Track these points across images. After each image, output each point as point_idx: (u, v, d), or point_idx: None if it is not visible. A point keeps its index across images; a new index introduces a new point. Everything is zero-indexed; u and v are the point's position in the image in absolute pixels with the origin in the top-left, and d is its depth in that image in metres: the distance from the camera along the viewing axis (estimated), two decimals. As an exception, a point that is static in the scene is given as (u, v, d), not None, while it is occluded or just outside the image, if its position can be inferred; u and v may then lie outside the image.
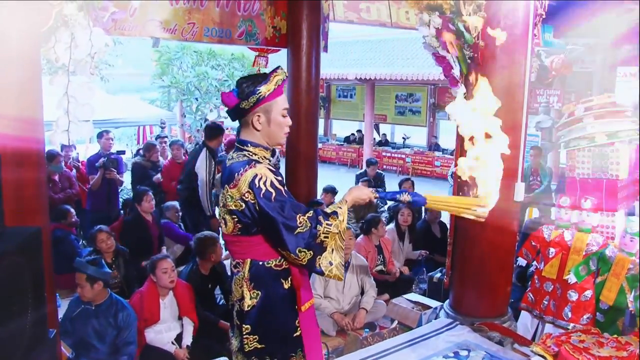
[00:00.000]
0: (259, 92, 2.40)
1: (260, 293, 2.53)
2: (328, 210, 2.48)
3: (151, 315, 4.53)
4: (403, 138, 21.33)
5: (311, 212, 2.40)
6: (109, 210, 6.86)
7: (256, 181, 2.35)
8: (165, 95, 16.61)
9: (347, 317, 5.13)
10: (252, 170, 2.38)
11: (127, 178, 7.84)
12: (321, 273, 2.44)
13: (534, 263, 4.87)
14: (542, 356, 2.50)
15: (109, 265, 5.23)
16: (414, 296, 5.56)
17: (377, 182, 8.74)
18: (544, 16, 4.46)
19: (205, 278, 5.12)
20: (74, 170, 7.55)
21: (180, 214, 6.69)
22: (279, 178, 2.42)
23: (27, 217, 3.05)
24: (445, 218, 6.74)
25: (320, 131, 20.06)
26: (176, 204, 6.73)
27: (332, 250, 2.43)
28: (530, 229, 5.25)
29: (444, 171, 16.26)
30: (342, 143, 21.44)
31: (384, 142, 21.33)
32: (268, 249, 2.51)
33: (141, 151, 8.15)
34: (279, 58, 7.59)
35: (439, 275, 5.94)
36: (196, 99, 15.85)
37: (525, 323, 4.91)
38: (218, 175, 7.41)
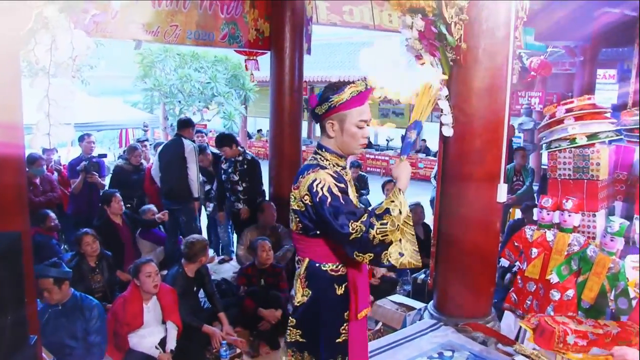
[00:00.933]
0: (331, 100, 2.46)
1: (311, 293, 2.60)
2: (381, 208, 2.43)
3: (134, 319, 4.49)
4: (386, 140, 21.39)
5: (365, 215, 2.38)
6: (90, 214, 6.78)
7: (314, 185, 2.41)
8: (148, 98, 16.48)
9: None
10: (314, 175, 2.45)
11: (109, 181, 7.76)
12: (392, 267, 2.48)
13: (517, 263, 4.90)
14: (525, 329, 2.63)
15: (92, 269, 5.18)
16: (398, 298, 5.57)
17: (360, 184, 8.73)
18: (525, 19, 4.49)
19: (191, 281, 5.09)
20: (56, 174, 7.46)
21: (157, 216, 6.63)
22: (341, 185, 2.44)
23: (7, 221, 3.01)
24: (429, 220, 6.75)
25: (304, 133, 20.07)
26: (152, 207, 6.68)
27: (400, 240, 2.45)
28: (513, 230, 5.29)
29: (427, 173, 16.32)
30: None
31: (367, 144, 21.34)
32: (327, 252, 2.57)
33: (124, 154, 8.07)
34: (265, 60, 7.59)
35: (422, 276, 5.95)
36: (179, 101, 15.75)
37: (508, 323, 4.93)
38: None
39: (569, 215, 4.52)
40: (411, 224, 2.49)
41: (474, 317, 4.73)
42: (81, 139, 7.34)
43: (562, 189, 4.74)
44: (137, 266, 4.57)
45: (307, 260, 2.62)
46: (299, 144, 7.41)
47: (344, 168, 2.59)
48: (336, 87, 2.50)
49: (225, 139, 6.88)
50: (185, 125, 6.92)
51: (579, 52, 10.03)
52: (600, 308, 4.35)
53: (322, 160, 2.55)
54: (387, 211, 2.39)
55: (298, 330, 2.69)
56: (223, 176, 7.00)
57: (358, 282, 2.58)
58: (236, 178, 6.85)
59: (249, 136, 24.00)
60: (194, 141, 6.93)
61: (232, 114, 15.90)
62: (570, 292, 4.46)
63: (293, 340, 2.71)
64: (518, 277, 4.86)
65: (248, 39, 7.00)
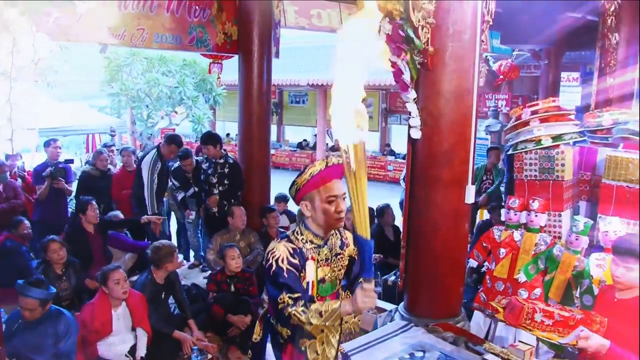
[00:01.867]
0: (296, 183, 2.63)
1: (261, 334, 2.83)
2: (316, 303, 2.52)
3: (103, 327, 4.42)
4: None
5: (299, 294, 2.50)
6: (57, 220, 6.65)
7: (269, 253, 2.57)
8: (115, 103, 16.24)
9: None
10: (275, 244, 2.61)
11: (76, 188, 7.62)
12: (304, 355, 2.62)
13: (486, 263, 4.95)
14: (494, 309, 2.73)
15: (59, 276, 5.08)
16: (369, 300, 5.57)
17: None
18: (491, 23, 4.55)
19: (160, 287, 5.03)
20: (19, 180, 7.30)
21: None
22: (294, 260, 2.55)
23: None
24: (398, 222, 6.79)
25: (273, 137, 20.04)
26: (119, 213, 6.58)
27: (322, 342, 2.65)
28: (481, 231, 5.35)
29: (396, 175, 16.43)
30: (295, 149, 21.44)
31: (337, 148, 21.39)
32: None
33: (91, 159, 7.93)
34: (233, 64, 7.55)
35: (393, 278, 5.98)
36: (147, 106, 15.57)
37: (478, 322, 4.98)
38: (170, 184, 7.32)
39: (536, 216, 4.59)
40: (337, 336, 2.68)
41: (444, 318, 4.76)
42: (47, 144, 7.20)
43: (528, 189, 4.81)
44: (104, 273, 4.50)
45: (266, 308, 2.87)
46: (268, 147, 7.38)
47: (318, 247, 2.66)
48: (301, 171, 2.65)
49: (210, 138, 6.90)
50: (167, 140, 6.83)
51: (544, 56, 10.22)
52: (566, 305, 4.42)
53: (297, 235, 2.66)
54: (314, 309, 2.47)
55: None
56: (202, 176, 6.97)
57: (292, 354, 2.70)
58: (214, 180, 6.83)
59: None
60: (162, 157, 6.70)
61: (200, 118, 15.78)
62: (538, 291, 4.54)
63: None
64: (487, 276, 4.92)
65: (216, 42, 6.96)
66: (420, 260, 4.78)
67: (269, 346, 2.76)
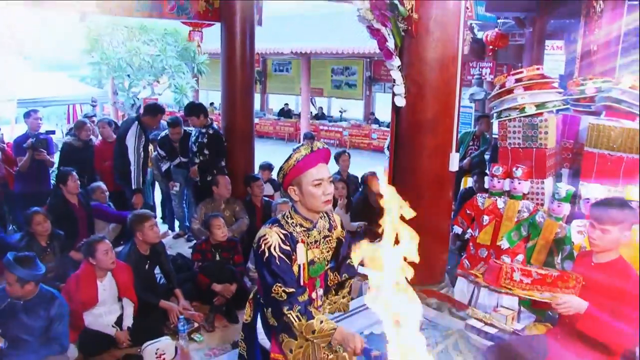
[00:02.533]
0: (282, 169, 2.67)
1: (252, 316, 2.87)
2: (315, 312, 2.58)
3: (89, 298, 4.43)
4: (340, 111, 21.44)
5: (293, 289, 2.55)
6: (39, 192, 6.59)
7: (261, 239, 2.61)
8: (96, 72, 16.01)
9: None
10: (267, 229, 2.65)
11: (58, 159, 7.55)
12: (278, 343, 2.66)
13: (469, 230, 5.02)
14: (475, 275, 2.81)
15: (43, 249, 5.06)
16: (354, 267, 5.63)
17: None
18: (475, -11, 4.54)
19: (145, 258, 5.03)
20: (-1, 152, 7.22)
21: (107, 193, 6.51)
22: (285, 247, 2.61)
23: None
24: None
25: (257, 106, 19.93)
26: (101, 184, 6.54)
27: (300, 347, 2.64)
28: (465, 198, 5.40)
29: (380, 144, 16.45)
30: (278, 117, 21.36)
31: (320, 116, 21.37)
32: None
33: (72, 130, 7.83)
34: (215, 32, 7.46)
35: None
36: (128, 75, 15.38)
37: (461, 289, 5.06)
38: (154, 154, 7.30)
39: (519, 183, 4.64)
40: (320, 353, 2.67)
41: (427, 284, 4.84)
42: (27, 115, 7.09)
43: (512, 157, 4.86)
44: (91, 244, 4.48)
45: (256, 289, 2.89)
46: (251, 116, 7.35)
47: (308, 230, 2.71)
48: (288, 157, 2.68)
49: (193, 109, 6.87)
50: (147, 110, 6.79)
51: (528, 24, 10.18)
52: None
53: (287, 218, 2.70)
54: (309, 316, 2.53)
55: (244, 345, 2.95)
56: (189, 144, 7.02)
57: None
58: (195, 149, 6.84)
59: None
60: (144, 128, 6.65)
61: (183, 88, 15.62)
62: (520, 257, 4.62)
63: (241, 353, 2.98)
64: (470, 243, 4.98)
65: (197, 10, 6.87)
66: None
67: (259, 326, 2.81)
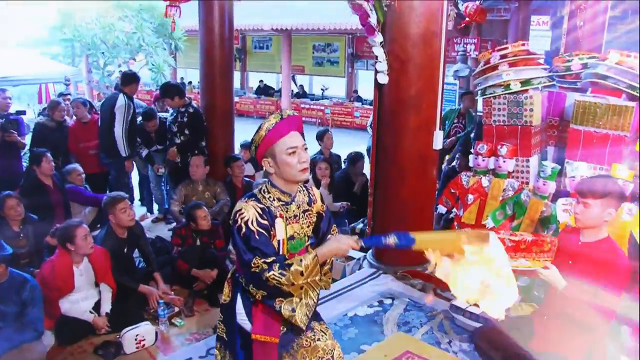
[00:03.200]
0: (254, 141, 2.62)
1: (231, 296, 2.78)
2: (290, 260, 2.52)
3: (65, 284, 4.38)
4: (321, 89, 21.36)
5: (272, 257, 2.48)
6: (11, 175, 6.49)
7: (237, 214, 2.56)
8: (69, 50, 15.75)
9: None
10: (243, 204, 2.60)
11: (30, 140, 7.42)
12: (279, 314, 2.55)
13: (454, 210, 5.04)
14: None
15: (16, 234, 5.00)
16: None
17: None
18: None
19: (122, 241, 4.99)
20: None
21: (84, 175, 6.42)
22: (263, 221, 2.56)
23: None
24: (366, 169, 6.82)
25: (237, 84, 19.79)
26: (77, 166, 6.44)
27: (300, 299, 2.55)
28: (448, 177, 5.42)
29: (363, 122, 16.43)
30: (258, 96, 21.24)
31: (302, 94, 21.29)
32: None
33: (46, 110, 7.70)
34: (192, 7, 7.35)
35: (360, 226, 6.06)
36: (103, 53, 15.15)
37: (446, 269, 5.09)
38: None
39: (504, 161, 4.66)
40: (316, 290, 2.61)
41: (412, 265, 4.87)
42: (-5, 95, 6.98)
43: (496, 135, 4.87)
44: (68, 230, 4.40)
45: (234, 267, 2.83)
46: (231, 95, 7.28)
47: (286, 204, 2.67)
48: (257, 129, 2.64)
49: (167, 90, 6.83)
50: (126, 80, 6.80)
51: (514, -2, 10.17)
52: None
53: (264, 193, 2.66)
54: (289, 266, 2.48)
55: (223, 327, 2.86)
56: (167, 125, 6.99)
57: (263, 309, 2.68)
58: (175, 129, 6.78)
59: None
60: (131, 98, 6.77)
61: (160, 66, 15.42)
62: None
63: (220, 335, 2.89)
64: (455, 223, 5.01)
65: (174, -16, 6.76)
66: (388, 207, 4.84)
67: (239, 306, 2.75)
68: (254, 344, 2.69)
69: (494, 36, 12.85)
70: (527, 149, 4.78)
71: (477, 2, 9.67)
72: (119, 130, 6.55)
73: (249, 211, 2.56)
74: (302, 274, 2.47)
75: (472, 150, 5.02)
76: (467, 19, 9.64)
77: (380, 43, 4.46)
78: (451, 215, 5.19)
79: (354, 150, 7.29)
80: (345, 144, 8.62)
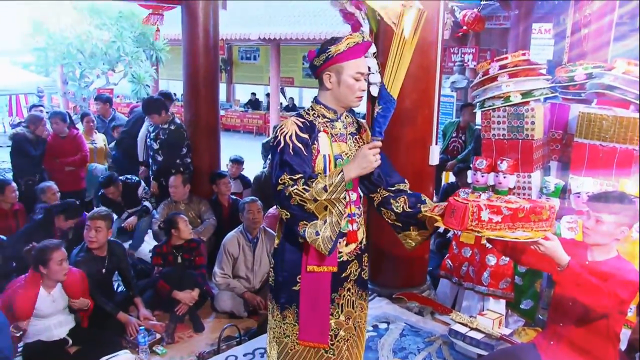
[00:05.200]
0: (328, 51, 2.64)
1: (282, 236, 2.86)
2: (320, 178, 2.54)
3: (21, 309, 4.23)
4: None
5: (300, 174, 2.53)
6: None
7: (278, 129, 2.67)
8: (42, 59, 15.73)
9: (259, 296, 5.19)
10: (284, 121, 2.71)
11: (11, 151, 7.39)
12: (304, 239, 2.55)
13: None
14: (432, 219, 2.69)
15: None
16: (329, 270, 5.66)
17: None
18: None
19: (100, 260, 4.98)
20: None
21: (59, 194, 6.39)
22: (303, 135, 2.64)
23: None
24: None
25: (222, 97, 19.81)
26: (52, 184, 6.38)
27: (325, 221, 2.53)
28: (447, 194, 5.44)
29: (357, 137, 16.47)
30: (246, 109, 21.30)
31: (291, 107, 21.36)
32: None
33: (23, 124, 7.70)
34: (175, 16, 7.41)
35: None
36: (79, 63, 15.16)
37: (444, 291, 5.13)
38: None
39: (504, 177, 4.69)
40: (341, 210, 2.55)
41: (408, 287, 4.89)
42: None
43: (496, 149, 4.90)
44: (44, 251, 4.25)
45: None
46: (216, 108, 7.32)
47: (331, 120, 2.76)
48: (334, 39, 2.67)
49: (152, 106, 6.74)
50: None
51: (514, 6, 10.28)
52: (536, 272, 4.58)
53: (308, 110, 2.77)
54: (312, 181, 2.51)
55: (273, 274, 2.93)
56: (148, 142, 6.97)
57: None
58: (156, 147, 6.77)
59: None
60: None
61: (141, 77, 15.44)
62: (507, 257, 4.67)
63: (271, 284, 2.96)
64: (453, 242, 5.03)
65: (156, -9, 6.83)
66: (383, 227, 4.86)
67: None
68: (303, 278, 2.74)
69: (493, 45, 12.99)
70: (528, 164, 4.81)
71: (476, 10, 9.79)
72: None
73: (289, 126, 2.65)
74: (325, 188, 2.48)
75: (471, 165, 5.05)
76: (464, 27, 9.76)
77: (373, 54, 4.52)
78: (449, 235, 5.22)
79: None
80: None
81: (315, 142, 2.67)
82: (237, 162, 7.81)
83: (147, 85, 15.59)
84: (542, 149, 5.00)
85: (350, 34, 2.67)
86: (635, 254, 3.96)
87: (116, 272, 5.22)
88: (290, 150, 2.57)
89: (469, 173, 4.95)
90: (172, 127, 6.74)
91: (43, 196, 6.25)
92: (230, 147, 7.68)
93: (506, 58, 4.94)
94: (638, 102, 4.44)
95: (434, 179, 5.04)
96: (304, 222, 2.53)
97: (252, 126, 20.17)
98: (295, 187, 2.48)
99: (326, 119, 2.74)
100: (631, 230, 3.95)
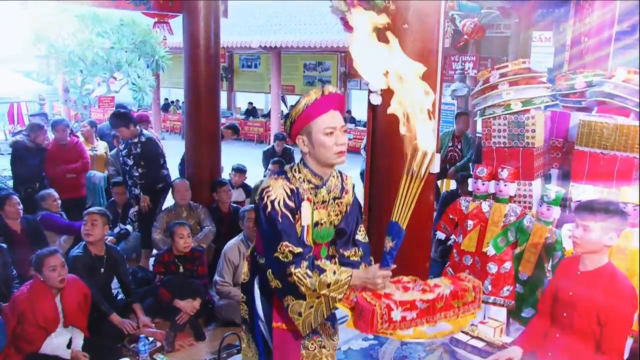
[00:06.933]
0: (290, 116, 2.63)
1: (249, 275, 2.88)
2: (324, 265, 2.58)
3: (47, 320, 4.23)
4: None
5: (300, 249, 2.51)
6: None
7: (265, 191, 2.57)
8: (43, 67, 15.73)
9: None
10: (272, 181, 2.61)
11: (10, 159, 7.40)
12: (285, 307, 2.58)
13: (453, 236, 5.05)
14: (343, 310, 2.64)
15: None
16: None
17: (285, 157, 8.74)
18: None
19: (98, 260, 4.98)
20: None
21: (60, 201, 6.40)
22: (290, 203, 2.56)
23: None
24: (359, 194, 6.84)
25: (223, 105, 19.86)
26: (53, 191, 6.41)
27: (311, 306, 2.56)
28: (447, 202, 5.44)
29: (357, 144, 16.44)
30: (246, 117, 21.35)
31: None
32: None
33: (24, 132, 7.72)
34: (177, 24, 7.43)
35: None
36: (81, 71, 15.17)
37: (445, 300, 5.10)
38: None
39: (505, 185, 4.68)
40: (331, 309, 2.60)
41: (409, 295, 4.86)
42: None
43: (497, 157, 4.90)
44: (39, 258, 4.27)
45: (254, 245, 2.90)
46: (217, 116, 7.33)
47: (316, 187, 2.68)
48: (295, 102, 2.64)
49: (120, 119, 6.62)
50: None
51: (515, 14, 10.31)
52: (537, 279, 4.57)
53: (295, 172, 2.68)
54: (320, 270, 2.52)
55: (245, 308, 2.91)
56: (120, 159, 6.84)
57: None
58: (130, 162, 6.59)
59: (165, 108, 23.51)
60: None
61: (142, 85, 15.46)
62: (508, 265, 4.67)
63: (243, 316, 2.96)
64: (454, 250, 5.02)
65: (157, 0, 6.84)
66: (383, 235, 4.86)
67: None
68: (274, 332, 2.73)
69: (493, 53, 13.00)
70: (529, 172, 4.81)
71: (476, 19, 9.82)
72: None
73: (277, 190, 2.56)
74: (328, 285, 2.49)
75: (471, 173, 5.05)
76: (465, 36, 9.79)
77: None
78: (449, 242, 5.21)
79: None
80: (338, 168, 8.63)
81: (298, 212, 2.61)
82: (240, 171, 7.82)
83: (147, 93, 15.60)
84: (543, 157, 5.00)
85: (308, 93, 2.62)
86: (635, 263, 3.95)
87: (115, 280, 5.23)
88: (280, 218, 2.52)
89: (470, 181, 4.95)
90: (144, 139, 6.61)
91: (44, 203, 6.26)
92: (230, 155, 7.67)
93: (507, 66, 4.95)
94: (638, 110, 4.45)
95: (434, 187, 5.03)
96: (292, 297, 2.56)
97: (253, 134, 20.20)
98: (299, 269, 2.48)
99: (311, 185, 2.67)
100: (628, 239, 3.97)
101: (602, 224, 3.00)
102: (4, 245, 5.18)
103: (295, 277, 2.47)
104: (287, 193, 2.56)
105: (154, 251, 6.38)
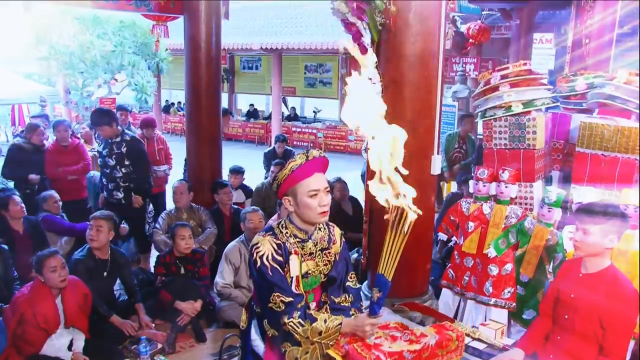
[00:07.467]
0: (277, 179, 2.75)
1: (247, 322, 3.00)
2: (316, 314, 2.73)
3: (47, 321, 4.24)
4: (314, 111, 21.48)
5: (291, 298, 2.67)
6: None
7: (254, 247, 2.73)
8: (44, 69, 15.76)
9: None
10: (260, 238, 2.77)
11: (4, 162, 7.41)
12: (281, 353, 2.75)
13: (454, 238, 5.05)
14: (333, 357, 2.68)
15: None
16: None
17: (286, 159, 8.71)
18: (457, -21, 4.60)
19: (102, 263, 4.98)
20: None
21: (61, 203, 6.38)
22: (278, 257, 2.72)
23: None
24: (360, 195, 6.84)
25: (224, 106, 19.84)
26: (54, 192, 6.40)
27: (307, 352, 2.72)
28: (450, 204, 5.43)
29: (358, 146, 16.49)
30: (247, 119, 21.36)
31: (293, 117, 21.39)
32: None
33: (22, 133, 7.73)
34: (177, 26, 7.43)
35: (355, 255, 6.05)
36: (82, 72, 15.21)
37: (446, 301, 5.10)
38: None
39: (506, 187, 4.68)
40: (326, 352, 2.72)
41: (410, 297, 4.86)
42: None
43: (498, 159, 4.90)
44: (39, 259, 4.29)
45: (251, 295, 3.04)
46: (218, 117, 7.32)
47: (302, 241, 2.82)
48: (282, 165, 2.80)
49: (103, 117, 6.51)
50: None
51: (515, 15, 10.31)
52: (539, 281, 4.57)
53: (282, 228, 2.82)
54: (312, 319, 2.69)
55: (240, 352, 3.08)
56: (99, 160, 6.77)
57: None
58: (112, 162, 6.52)
59: (166, 110, 23.50)
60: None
61: (143, 86, 15.49)
62: (509, 266, 4.66)
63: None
64: (455, 252, 5.02)
65: (158, 1, 6.84)
66: (383, 235, 4.86)
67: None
68: None
69: (494, 55, 13.02)
70: (530, 173, 4.82)
71: (479, 22, 9.83)
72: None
73: (264, 245, 2.72)
74: (320, 333, 2.65)
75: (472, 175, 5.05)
76: (471, 40, 9.80)
77: (374, 64, 4.52)
78: (451, 244, 5.21)
79: (337, 177, 7.26)
80: (339, 170, 8.65)
81: (287, 265, 2.74)
82: (237, 172, 7.80)
83: (149, 94, 15.64)
84: (544, 159, 5.00)
85: (294, 157, 2.75)
86: (636, 265, 3.95)
87: (118, 282, 5.22)
88: (270, 272, 2.67)
89: (471, 183, 4.94)
90: (128, 138, 6.55)
91: (45, 205, 6.26)
92: (231, 156, 7.66)
93: (507, 68, 4.96)
94: (639, 111, 4.45)
95: (436, 188, 5.02)
96: (288, 344, 2.73)
97: (254, 136, 20.20)
98: (291, 319, 2.65)
99: (298, 240, 2.81)
100: (630, 240, 3.96)
101: (602, 226, 3.00)
102: (5, 247, 5.18)
103: (289, 326, 2.64)
104: (274, 248, 2.72)
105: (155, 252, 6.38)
